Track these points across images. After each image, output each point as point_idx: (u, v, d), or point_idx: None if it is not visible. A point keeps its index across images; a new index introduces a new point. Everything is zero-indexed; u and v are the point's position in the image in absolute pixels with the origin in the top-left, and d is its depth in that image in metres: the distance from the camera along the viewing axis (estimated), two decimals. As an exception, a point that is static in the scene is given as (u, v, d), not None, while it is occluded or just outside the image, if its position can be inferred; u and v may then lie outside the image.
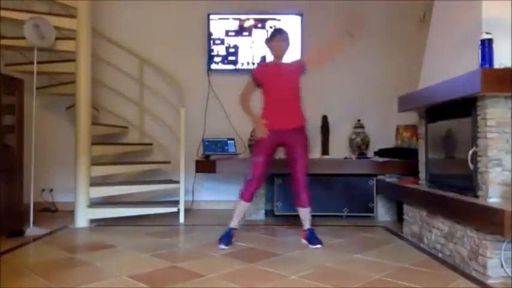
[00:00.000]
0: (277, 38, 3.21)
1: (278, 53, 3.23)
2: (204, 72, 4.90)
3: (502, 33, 2.51)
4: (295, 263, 2.73)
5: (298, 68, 3.25)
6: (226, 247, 3.09)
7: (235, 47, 4.84)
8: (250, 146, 4.60)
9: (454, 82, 2.63)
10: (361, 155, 4.58)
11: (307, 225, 3.24)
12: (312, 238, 3.16)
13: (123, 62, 4.75)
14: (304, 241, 3.21)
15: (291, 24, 4.84)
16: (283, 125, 3.15)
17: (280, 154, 3.35)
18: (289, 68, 3.25)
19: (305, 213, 3.22)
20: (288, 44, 3.24)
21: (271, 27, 4.85)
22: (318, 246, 3.10)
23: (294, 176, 3.18)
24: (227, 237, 3.14)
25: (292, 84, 3.22)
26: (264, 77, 3.24)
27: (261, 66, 3.39)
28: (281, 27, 3.32)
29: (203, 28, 4.85)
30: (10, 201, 3.60)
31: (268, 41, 3.27)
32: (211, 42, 4.83)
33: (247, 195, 3.17)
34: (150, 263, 2.72)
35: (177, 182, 4.18)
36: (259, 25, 4.85)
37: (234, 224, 3.21)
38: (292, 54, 4.78)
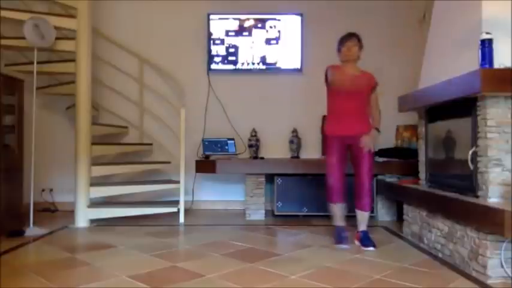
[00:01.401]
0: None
1: (349, 58, 3.20)
2: (204, 72, 4.90)
3: (502, 33, 2.51)
4: (295, 263, 2.73)
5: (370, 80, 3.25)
6: (349, 246, 3.11)
7: (235, 47, 4.84)
8: (250, 146, 4.61)
9: (454, 82, 2.63)
10: (361, 155, 4.57)
11: (362, 226, 3.21)
12: (366, 240, 3.14)
13: (123, 62, 4.75)
14: (357, 242, 3.19)
15: (291, 24, 4.85)
16: (351, 131, 3.15)
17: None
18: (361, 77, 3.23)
19: (363, 217, 3.21)
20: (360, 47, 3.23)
21: (271, 27, 4.86)
22: (371, 248, 3.06)
23: (358, 180, 3.17)
24: (343, 237, 3.17)
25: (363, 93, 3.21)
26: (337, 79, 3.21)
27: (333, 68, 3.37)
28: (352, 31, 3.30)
29: (203, 28, 4.85)
30: (10, 201, 3.60)
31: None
32: (211, 42, 4.83)
33: (332, 197, 3.19)
34: (150, 263, 2.72)
35: (177, 182, 4.17)
36: (259, 25, 4.84)
37: (339, 223, 3.22)
38: (292, 55, 4.82)
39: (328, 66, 3.28)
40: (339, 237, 3.18)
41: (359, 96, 3.19)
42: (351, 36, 3.22)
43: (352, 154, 3.22)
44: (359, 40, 3.21)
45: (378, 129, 3.19)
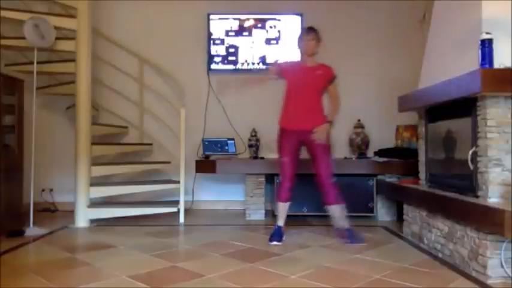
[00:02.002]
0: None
1: (308, 52, 3.28)
2: (204, 72, 4.90)
3: (502, 33, 2.51)
4: (295, 263, 2.73)
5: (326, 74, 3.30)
6: (279, 243, 3.20)
7: (235, 47, 4.84)
8: (250, 146, 4.61)
9: (454, 82, 2.63)
10: (361, 155, 4.57)
11: (343, 224, 3.26)
12: (351, 237, 3.20)
13: (123, 62, 4.75)
14: (345, 240, 3.23)
15: (291, 24, 4.84)
16: (305, 125, 3.20)
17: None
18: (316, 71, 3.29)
19: (337, 211, 3.26)
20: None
21: (271, 27, 4.86)
22: (361, 244, 3.14)
23: (318, 177, 3.23)
24: (278, 234, 3.25)
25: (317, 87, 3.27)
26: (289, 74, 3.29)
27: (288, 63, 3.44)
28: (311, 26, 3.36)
29: (203, 28, 4.85)
30: (10, 201, 3.60)
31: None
32: (211, 42, 4.83)
33: (281, 196, 3.29)
34: (150, 263, 2.72)
35: (177, 182, 4.18)
36: (259, 25, 4.85)
37: (280, 222, 3.31)
38: (293, 55, 4.82)
39: (284, 61, 3.40)
40: (273, 235, 3.24)
41: (313, 91, 3.25)
42: (308, 31, 3.29)
43: (308, 150, 3.26)
44: (316, 35, 3.28)
45: (331, 122, 3.24)
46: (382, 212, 4.26)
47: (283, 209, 3.32)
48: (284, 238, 3.29)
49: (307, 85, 3.24)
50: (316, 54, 3.33)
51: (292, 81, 3.27)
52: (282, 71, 3.31)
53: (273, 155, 4.70)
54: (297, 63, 3.39)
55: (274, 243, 3.20)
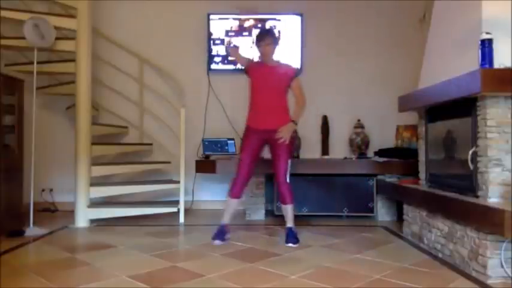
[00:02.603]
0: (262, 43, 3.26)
1: (265, 58, 3.30)
2: (204, 72, 4.89)
3: (502, 33, 2.51)
4: (295, 263, 2.73)
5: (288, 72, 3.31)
6: (222, 242, 3.18)
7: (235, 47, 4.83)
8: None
9: (454, 82, 2.63)
10: (361, 155, 4.57)
11: (289, 223, 3.28)
12: (288, 237, 3.22)
13: (123, 62, 4.75)
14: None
15: (291, 24, 4.84)
16: (269, 124, 3.23)
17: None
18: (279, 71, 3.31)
19: (287, 211, 3.29)
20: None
21: (271, 27, 4.85)
22: (290, 244, 3.15)
23: (276, 176, 3.26)
24: (221, 233, 3.24)
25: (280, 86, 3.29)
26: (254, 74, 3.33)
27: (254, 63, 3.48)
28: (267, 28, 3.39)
29: (203, 28, 4.85)
30: (10, 201, 3.60)
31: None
32: (211, 42, 4.83)
33: (232, 192, 3.27)
34: (150, 263, 2.72)
35: (177, 182, 4.18)
36: (259, 25, 4.84)
37: (225, 220, 3.30)
38: (292, 55, 4.82)
39: (249, 62, 3.42)
40: (217, 234, 3.23)
41: (277, 90, 3.28)
42: (263, 36, 3.29)
43: (270, 149, 3.30)
44: (273, 38, 3.30)
45: (295, 122, 3.27)
46: (382, 212, 4.26)
47: (231, 205, 3.30)
48: (228, 236, 3.27)
49: (271, 84, 3.27)
50: (273, 55, 3.35)
51: (256, 81, 3.30)
52: (249, 68, 3.36)
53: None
54: (260, 63, 3.40)
55: (217, 242, 3.17)
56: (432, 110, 3.21)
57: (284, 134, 3.20)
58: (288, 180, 3.25)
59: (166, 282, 2.32)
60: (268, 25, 4.84)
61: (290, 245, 3.14)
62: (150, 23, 4.93)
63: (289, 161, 3.27)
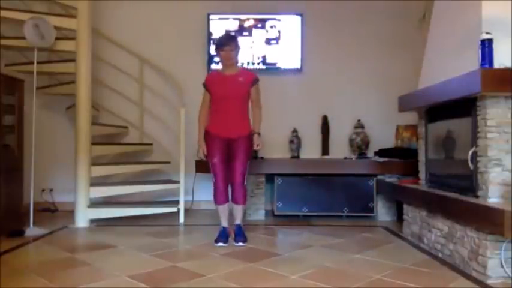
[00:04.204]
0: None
1: (227, 62, 3.27)
2: (204, 73, 4.87)
3: (502, 33, 2.51)
4: (295, 263, 2.73)
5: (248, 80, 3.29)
6: (225, 244, 3.18)
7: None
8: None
9: (454, 82, 2.63)
10: (361, 155, 4.58)
11: (237, 220, 3.31)
12: (238, 235, 3.25)
13: (123, 62, 4.75)
14: (233, 236, 3.29)
15: (291, 24, 4.84)
16: (231, 134, 3.23)
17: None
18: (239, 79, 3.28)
19: (238, 210, 3.30)
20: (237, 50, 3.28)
21: (271, 27, 4.85)
22: (240, 243, 3.18)
23: (232, 176, 3.23)
24: (224, 235, 3.25)
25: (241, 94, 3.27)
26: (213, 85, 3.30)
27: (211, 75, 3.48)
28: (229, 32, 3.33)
29: (203, 28, 4.85)
30: (10, 201, 3.60)
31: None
32: (211, 42, 4.83)
33: (217, 199, 3.27)
34: (150, 263, 2.72)
35: (177, 182, 4.18)
36: (259, 25, 4.84)
37: (224, 223, 3.31)
38: (292, 55, 4.82)
39: (207, 74, 3.41)
40: (219, 237, 3.24)
41: (237, 99, 3.26)
42: (226, 41, 3.26)
43: (229, 151, 3.26)
44: (235, 43, 3.27)
45: (258, 133, 3.28)
46: (382, 212, 4.26)
47: (223, 210, 3.30)
48: (230, 239, 3.27)
49: (231, 94, 3.24)
50: (237, 62, 3.34)
51: (216, 93, 3.26)
52: (207, 83, 3.32)
53: (275, 155, 4.73)
54: (217, 73, 3.38)
55: (220, 244, 3.18)
56: (432, 110, 3.21)
57: (259, 144, 3.26)
58: (245, 182, 3.24)
59: (166, 282, 2.32)
60: (268, 25, 4.84)
61: (240, 244, 3.18)
62: (150, 23, 4.93)
63: (247, 163, 3.26)
